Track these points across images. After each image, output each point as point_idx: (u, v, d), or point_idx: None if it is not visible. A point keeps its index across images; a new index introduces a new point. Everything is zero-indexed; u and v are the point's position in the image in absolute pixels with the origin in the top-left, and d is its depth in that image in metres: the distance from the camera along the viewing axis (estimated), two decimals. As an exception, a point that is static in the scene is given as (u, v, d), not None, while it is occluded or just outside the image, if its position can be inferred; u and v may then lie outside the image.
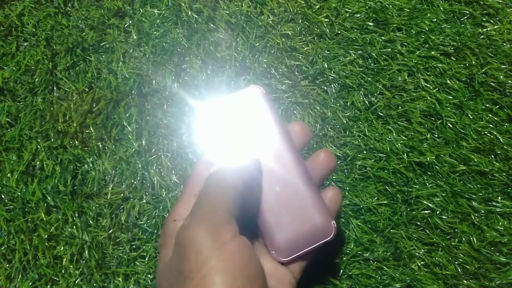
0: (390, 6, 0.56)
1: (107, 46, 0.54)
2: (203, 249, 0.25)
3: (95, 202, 0.48)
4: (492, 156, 0.50)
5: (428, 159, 0.49)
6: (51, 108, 0.52)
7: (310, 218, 0.32)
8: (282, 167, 0.33)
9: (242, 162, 0.31)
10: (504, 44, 0.55)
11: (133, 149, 0.49)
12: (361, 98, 0.52)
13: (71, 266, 0.45)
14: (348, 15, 0.56)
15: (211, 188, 0.29)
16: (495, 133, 0.51)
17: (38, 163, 0.49)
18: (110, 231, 0.47)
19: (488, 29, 0.56)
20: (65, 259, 0.46)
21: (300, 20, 0.55)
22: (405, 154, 0.49)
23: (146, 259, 0.46)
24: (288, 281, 0.31)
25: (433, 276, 0.45)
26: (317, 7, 0.56)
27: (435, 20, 0.56)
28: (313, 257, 0.34)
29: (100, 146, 0.50)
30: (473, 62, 0.54)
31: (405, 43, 0.55)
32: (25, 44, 0.56)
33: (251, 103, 0.35)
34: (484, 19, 0.56)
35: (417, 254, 0.46)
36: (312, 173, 0.34)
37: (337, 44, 0.54)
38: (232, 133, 0.34)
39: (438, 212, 0.48)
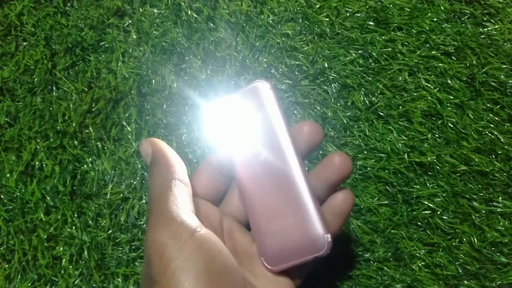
0: (391, 5, 0.56)
1: (107, 45, 0.54)
2: (166, 250, 0.25)
3: (94, 203, 0.48)
4: (493, 156, 0.50)
5: (429, 159, 0.49)
6: (50, 108, 0.51)
7: (303, 228, 0.29)
8: (281, 170, 0.31)
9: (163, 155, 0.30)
10: (505, 43, 0.55)
11: (133, 149, 0.49)
12: (362, 98, 0.52)
13: (71, 267, 0.45)
14: (348, 14, 0.55)
15: (153, 191, 0.28)
16: (496, 133, 0.51)
17: (37, 163, 0.49)
18: (110, 231, 0.47)
19: (489, 28, 0.56)
20: (64, 260, 0.46)
21: (300, 20, 0.55)
22: (406, 154, 0.49)
23: (146, 259, 0.46)
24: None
25: (433, 277, 0.45)
26: (317, 6, 0.56)
27: (435, 19, 0.56)
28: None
29: (100, 146, 0.50)
30: (474, 62, 0.54)
31: (405, 43, 0.54)
32: (24, 43, 0.55)
33: (255, 103, 0.33)
34: (485, 19, 0.56)
35: (417, 254, 0.46)
36: (323, 176, 0.31)
37: (338, 44, 0.54)
38: (232, 132, 0.34)
39: (439, 213, 0.47)
